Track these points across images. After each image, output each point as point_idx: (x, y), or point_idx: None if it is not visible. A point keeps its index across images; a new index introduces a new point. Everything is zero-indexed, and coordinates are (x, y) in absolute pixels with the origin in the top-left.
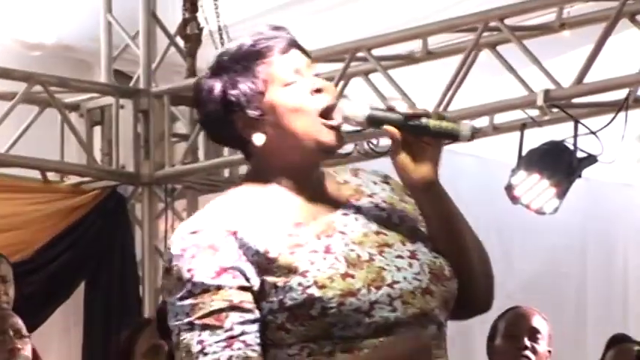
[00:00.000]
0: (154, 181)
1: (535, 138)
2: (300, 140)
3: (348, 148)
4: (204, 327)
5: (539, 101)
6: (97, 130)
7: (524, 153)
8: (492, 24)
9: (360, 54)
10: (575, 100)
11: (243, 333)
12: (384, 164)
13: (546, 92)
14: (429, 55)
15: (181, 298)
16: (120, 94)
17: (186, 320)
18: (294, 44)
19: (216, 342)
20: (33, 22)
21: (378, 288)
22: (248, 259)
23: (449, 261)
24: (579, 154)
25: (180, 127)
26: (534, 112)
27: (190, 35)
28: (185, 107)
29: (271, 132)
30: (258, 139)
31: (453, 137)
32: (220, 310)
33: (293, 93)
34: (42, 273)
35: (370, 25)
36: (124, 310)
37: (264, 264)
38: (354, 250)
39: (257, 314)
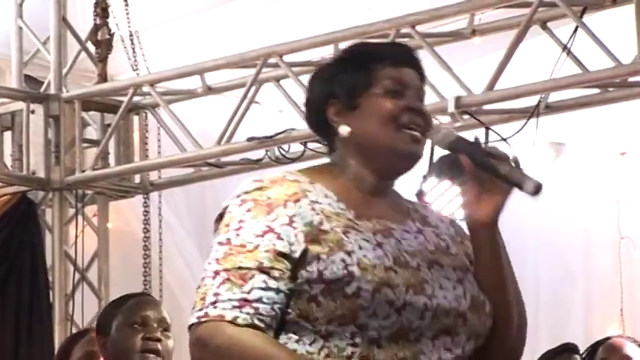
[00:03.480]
0: (64, 187)
1: None
2: (380, 146)
3: (260, 154)
4: (226, 280)
5: (451, 108)
6: (8, 135)
7: (435, 159)
8: (404, 30)
9: (271, 60)
10: (487, 107)
11: (259, 300)
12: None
13: (457, 99)
14: None
15: (220, 243)
16: (30, 99)
17: (213, 267)
18: (412, 64)
19: (230, 299)
20: None
21: (416, 294)
22: (298, 227)
23: (494, 308)
24: None
25: (91, 133)
26: (445, 119)
27: (101, 41)
28: (96, 113)
29: (358, 129)
30: (344, 130)
31: (518, 186)
32: (247, 269)
33: (391, 103)
34: None
35: (282, 31)
36: (34, 316)
37: (314, 234)
38: (404, 257)
39: (284, 285)
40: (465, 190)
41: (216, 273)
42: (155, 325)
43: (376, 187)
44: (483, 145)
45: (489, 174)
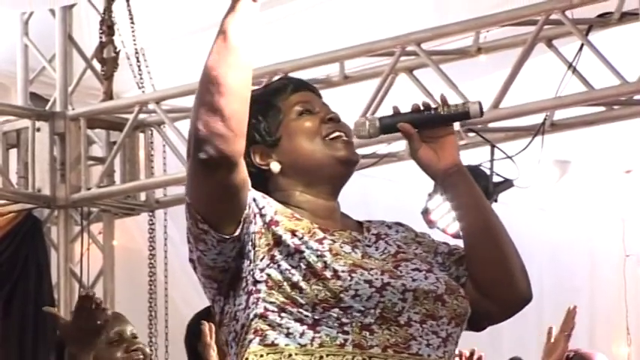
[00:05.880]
0: (69, 204)
1: None
2: (316, 160)
3: None
4: None
5: (456, 126)
6: (13, 152)
7: None
8: (410, 48)
9: (276, 78)
10: (492, 125)
11: None
12: None
13: None
14: (346, 79)
15: None
16: (36, 116)
17: None
18: (305, 85)
19: None
20: None
21: (392, 278)
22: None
23: (486, 251)
24: (496, 179)
25: (97, 150)
26: None
27: (107, 58)
28: (101, 130)
29: (289, 157)
30: (275, 166)
31: (465, 116)
32: None
33: (308, 120)
34: None
35: (287, 49)
36: (39, 333)
37: (280, 236)
38: (370, 261)
39: None
40: (420, 156)
41: None
42: (131, 337)
43: (328, 208)
44: (399, 109)
45: (433, 125)
